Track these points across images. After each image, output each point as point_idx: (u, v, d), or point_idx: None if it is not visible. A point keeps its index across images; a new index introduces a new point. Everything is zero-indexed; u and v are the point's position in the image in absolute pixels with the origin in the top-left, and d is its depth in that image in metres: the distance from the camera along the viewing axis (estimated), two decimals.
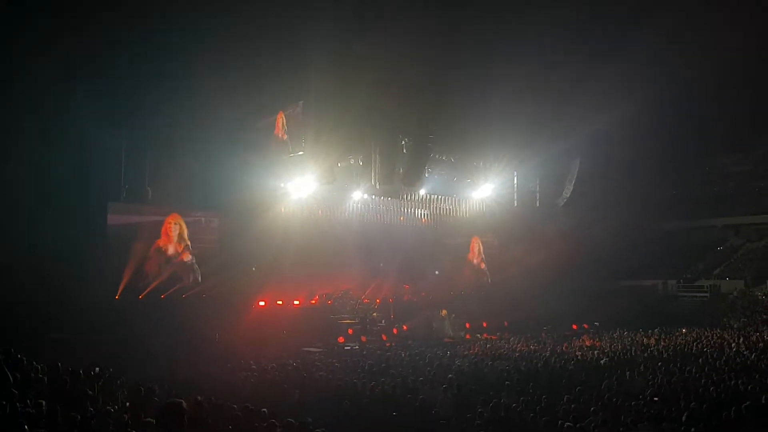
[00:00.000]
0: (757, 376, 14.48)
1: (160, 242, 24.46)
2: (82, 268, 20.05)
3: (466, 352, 20.67)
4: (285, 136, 26.61)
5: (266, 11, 22.16)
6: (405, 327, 27.79)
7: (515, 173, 35.90)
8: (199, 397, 9.59)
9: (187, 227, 25.02)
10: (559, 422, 9.11)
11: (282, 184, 27.38)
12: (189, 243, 24.93)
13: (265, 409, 9.02)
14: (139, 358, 16.59)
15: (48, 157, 19.97)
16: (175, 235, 24.66)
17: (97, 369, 12.00)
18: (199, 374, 14.78)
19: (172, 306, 22.86)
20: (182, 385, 12.28)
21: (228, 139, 22.87)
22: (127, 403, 9.31)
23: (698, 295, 37.15)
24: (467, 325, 29.02)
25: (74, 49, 19.30)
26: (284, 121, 26.55)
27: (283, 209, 27.71)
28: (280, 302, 25.92)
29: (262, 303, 25.19)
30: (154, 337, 19.58)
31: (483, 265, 35.71)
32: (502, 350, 21.27)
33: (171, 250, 24.63)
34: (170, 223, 24.62)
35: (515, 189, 36.73)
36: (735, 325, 30.32)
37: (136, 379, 11.51)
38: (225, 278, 24.12)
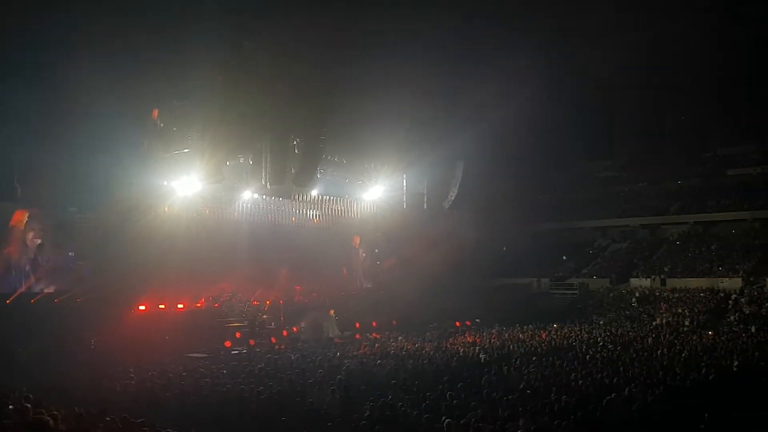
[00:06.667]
0: (621, 369, 15.79)
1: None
2: None
3: (355, 352, 20.94)
4: (167, 132, 25.43)
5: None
6: (295, 329, 27.60)
7: (404, 176, 36.71)
8: (76, 408, 9.10)
9: (62, 227, 23.42)
10: (442, 418, 9.46)
11: (165, 182, 26.24)
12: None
13: (143, 419, 8.71)
14: (5, 365, 15.48)
15: None
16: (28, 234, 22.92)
17: None
18: (74, 382, 13.96)
19: (44, 309, 21.34)
20: (55, 393, 11.55)
21: (104, 135, 21.45)
22: None
23: (568, 292, 39.91)
24: (357, 325, 29.35)
25: None
26: (166, 116, 25.33)
27: (167, 208, 26.50)
28: (162, 306, 24.90)
29: (142, 307, 24.07)
30: (23, 342, 18.36)
31: (368, 266, 36.28)
32: (390, 349, 21.75)
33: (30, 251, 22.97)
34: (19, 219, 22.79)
35: (404, 191, 37.54)
36: (601, 321, 32.73)
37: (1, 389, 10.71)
38: (102, 281, 22.81)
